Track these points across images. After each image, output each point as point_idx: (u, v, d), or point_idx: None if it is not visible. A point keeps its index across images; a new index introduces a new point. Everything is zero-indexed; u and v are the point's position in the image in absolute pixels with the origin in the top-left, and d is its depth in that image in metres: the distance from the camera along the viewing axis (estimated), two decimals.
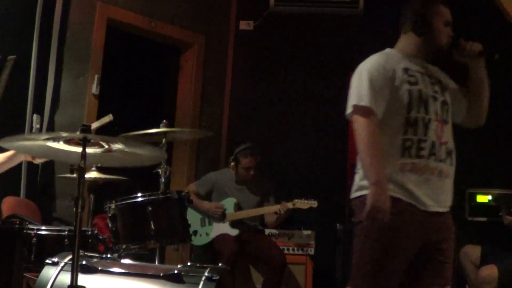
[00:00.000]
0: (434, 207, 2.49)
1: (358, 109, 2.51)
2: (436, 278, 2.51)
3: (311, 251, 4.57)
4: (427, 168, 2.47)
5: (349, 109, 2.56)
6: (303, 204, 4.40)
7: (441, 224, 2.52)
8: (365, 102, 2.48)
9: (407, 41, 2.64)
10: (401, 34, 2.69)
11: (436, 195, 2.50)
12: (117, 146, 2.22)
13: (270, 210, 4.51)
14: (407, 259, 2.47)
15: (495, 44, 2.64)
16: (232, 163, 4.62)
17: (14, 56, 3.46)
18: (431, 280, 2.50)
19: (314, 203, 4.38)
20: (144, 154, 2.35)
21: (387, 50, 2.68)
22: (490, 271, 3.99)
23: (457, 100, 2.66)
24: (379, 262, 2.45)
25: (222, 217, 4.55)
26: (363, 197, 2.49)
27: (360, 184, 2.56)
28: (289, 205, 4.41)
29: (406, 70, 2.55)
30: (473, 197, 4.74)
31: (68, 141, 2.18)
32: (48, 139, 2.16)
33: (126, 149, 2.24)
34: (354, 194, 2.61)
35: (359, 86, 2.53)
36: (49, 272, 2.33)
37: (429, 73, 2.61)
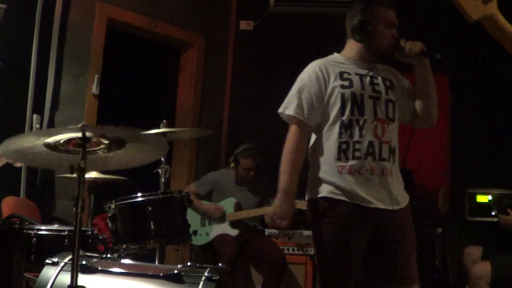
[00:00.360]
0: (377, 204, 2.52)
1: (288, 118, 2.66)
2: (392, 279, 2.55)
3: (311, 251, 4.57)
4: (365, 169, 2.53)
5: (281, 109, 2.70)
6: (303, 205, 4.38)
7: (390, 222, 2.55)
8: (290, 111, 2.63)
9: (351, 46, 2.72)
10: (347, 39, 2.76)
11: (379, 193, 2.53)
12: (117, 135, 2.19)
13: (270, 210, 4.49)
14: (359, 256, 2.53)
15: (438, 43, 2.66)
16: (232, 164, 4.62)
17: (5, 6, 3.41)
18: (387, 281, 2.55)
19: None
20: (145, 148, 2.33)
21: (332, 55, 2.76)
22: (484, 267, 3.99)
23: (404, 98, 2.70)
24: (336, 264, 2.53)
25: (221, 219, 4.54)
26: (310, 201, 2.69)
27: (307, 189, 2.71)
28: None
29: (341, 74, 2.61)
30: (473, 197, 4.74)
31: (67, 143, 2.16)
32: (46, 143, 2.14)
33: (127, 144, 2.22)
34: (308, 196, 2.74)
35: (290, 94, 2.67)
36: (49, 272, 2.33)
37: (372, 73, 2.64)
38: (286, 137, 2.67)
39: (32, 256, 2.83)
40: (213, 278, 2.28)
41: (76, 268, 2.03)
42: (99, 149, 2.23)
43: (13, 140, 2.07)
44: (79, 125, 2.07)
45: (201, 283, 2.26)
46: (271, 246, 4.47)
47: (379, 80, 2.64)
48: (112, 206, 2.98)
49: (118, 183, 3.63)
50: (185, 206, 3.13)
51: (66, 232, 2.92)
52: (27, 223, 2.95)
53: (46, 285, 2.30)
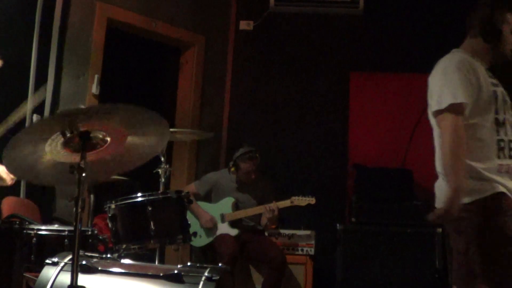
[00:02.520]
0: None
1: (451, 107, 2.44)
2: None
3: (311, 251, 4.57)
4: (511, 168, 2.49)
5: (436, 107, 2.50)
6: (301, 201, 4.39)
7: None
8: (461, 99, 2.44)
9: (476, 45, 2.62)
10: (468, 37, 2.67)
11: None
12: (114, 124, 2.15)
13: (266, 207, 4.48)
14: None
15: None
16: (232, 169, 4.61)
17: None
18: None
19: (312, 200, 4.37)
20: (146, 140, 2.31)
21: (458, 50, 2.65)
22: None
23: None
24: (498, 258, 2.42)
25: (211, 231, 4.53)
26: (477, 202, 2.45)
27: (472, 188, 2.48)
28: (287, 202, 4.40)
29: (487, 71, 2.56)
30: None
31: (66, 146, 2.15)
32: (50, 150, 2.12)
33: (127, 138, 2.20)
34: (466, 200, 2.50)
35: (452, 82, 2.47)
36: (49, 272, 2.33)
37: (495, 80, 2.62)
38: (443, 130, 2.48)
39: (32, 256, 2.83)
40: (213, 278, 2.27)
41: (76, 268, 2.03)
42: (99, 149, 2.23)
43: (14, 150, 2.03)
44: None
45: (201, 283, 2.26)
46: (271, 246, 4.47)
47: (500, 87, 2.62)
48: (112, 206, 2.98)
49: (118, 183, 3.62)
50: (185, 206, 3.13)
51: (66, 232, 2.92)
52: (27, 223, 2.95)
53: (46, 285, 2.29)
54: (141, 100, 5.27)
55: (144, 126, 2.26)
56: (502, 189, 2.44)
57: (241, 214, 4.56)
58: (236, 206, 4.60)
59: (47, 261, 2.37)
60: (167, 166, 3.43)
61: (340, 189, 5.18)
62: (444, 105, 2.45)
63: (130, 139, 2.23)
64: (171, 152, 4.97)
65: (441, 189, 2.54)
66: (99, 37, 4.55)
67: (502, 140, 2.49)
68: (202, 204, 4.64)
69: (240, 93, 5.50)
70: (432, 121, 2.63)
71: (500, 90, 2.54)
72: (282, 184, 4.94)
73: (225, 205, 4.59)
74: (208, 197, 4.69)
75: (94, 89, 4.47)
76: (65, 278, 2.22)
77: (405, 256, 4.43)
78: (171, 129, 3.51)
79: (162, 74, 5.57)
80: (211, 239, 4.54)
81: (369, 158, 5.11)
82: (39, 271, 2.38)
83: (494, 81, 2.55)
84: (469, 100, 2.45)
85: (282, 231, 4.63)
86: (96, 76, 4.49)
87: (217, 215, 4.57)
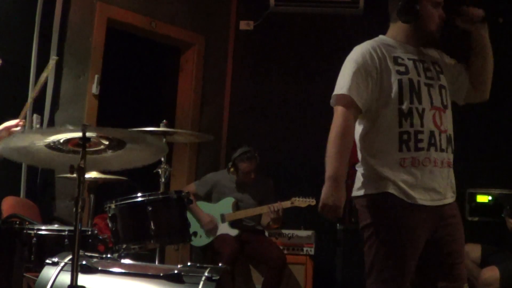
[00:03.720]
0: (440, 201, 2.41)
1: (338, 98, 2.44)
2: (451, 283, 2.41)
3: (311, 251, 4.57)
4: (429, 161, 2.38)
5: (332, 100, 2.51)
6: (301, 202, 4.39)
7: (445, 218, 2.42)
8: (344, 90, 2.42)
9: (397, 29, 2.54)
10: (390, 22, 2.60)
11: (442, 187, 2.41)
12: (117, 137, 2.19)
13: (267, 209, 4.49)
14: (417, 256, 2.38)
15: (498, 8, 2.57)
16: (232, 169, 4.61)
17: (57, 58, 3.44)
18: (445, 283, 2.40)
19: (312, 201, 4.37)
20: (144, 149, 2.33)
21: (380, 37, 2.59)
22: (492, 273, 3.98)
23: (455, 78, 2.56)
24: (398, 264, 2.34)
25: (212, 232, 4.53)
26: (368, 197, 2.46)
27: (362, 182, 2.51)
28: (288, 203, 4.40)
29: (395, 59, 2.46)
30: (473, 197, 4.74)
31: (67, 143, 2.16)
32: (47, 143, 2.14)
33: (127, 145, 2.22)
34: (356, 193, 2.55)
35: (343, 76, 2.46)
36: (49, 272, 2.33)
37: (422, 58, 2.51)
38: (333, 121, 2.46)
39: (32, 256, 2.83)
40: (213, 278, 2.27)
41: (76, 268, 2.03)
42: (99, 149, 2.23)
43: (14, 138, 2.07)
44: (80, 126, 2.06)
45: (201, 283, 2.26)
46: (271, 246, 4.47)
47: (430, 64, 2.50)
48: (112, 206, 2.98)
49: (118, 183, 3.62)
50: (185, 206, 3.12)
51: (66, 232, 2.92)
52: (27, 223, 2.95)
53: (46, 285, 2.29)
54: (141, 100, 5.31)
55: (143, 144, 2.28)
56: (390, 188, 2.37)
57: (241, 214, 4.56)
58: (237, 206, 4.61)
59: (47, 261, 2.37)
60: (167, 166, 3.43)
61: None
62: (335, 97, 2.47)
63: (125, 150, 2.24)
64: (171, 152, 4.97)
65: (356, 178, 2.53)
66: (99, 37, 4.55)
67: (405, 132, 2.37)
68: (202, 204, 4.64)
69: (240, 93, 5.51)
70: None
71: (407, 77, 2.40)
72: (282, 184, 4.94)
73: (225, 205, 4.59)
74: (208, 197, 4.69)
75: (94, 89, 4.48)
76: (65, 278, 2.22)
77: None
78: (171, 129, 3.51)
79: (162, 74, 5.57)
80: (211, 239, 4.54)
81: None
82: (39, 271, 2.38)
83: (401, 68, 2.42)
84: (359, 92, 2.40)
85: (282, 231, 4.63)
86: (96, 76, 4.49)
87: (217, 215, 4.58)
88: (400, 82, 2.41)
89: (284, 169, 5.25)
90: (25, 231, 2.85)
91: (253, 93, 5.49)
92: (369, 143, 2.49)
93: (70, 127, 2.07)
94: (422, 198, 2.38)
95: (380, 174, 2.41)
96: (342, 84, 2.45)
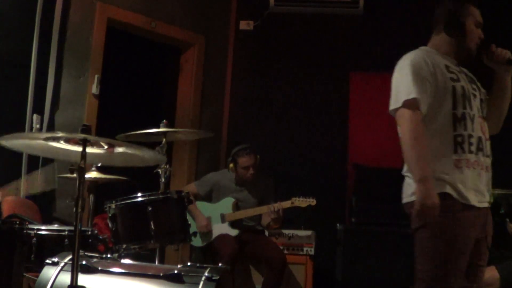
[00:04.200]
0: (483, 203, 2.51)
1: (407, 103, 2.46)
2: (472, 283, 2.51)
3: (311, 251, 4.57)
4: (478, 164, 2.50)
5: (394, 105, 2.51)
6: (301, 202, 4.39)
7: (487, 221, 2.55)
8: (414, 94, 2.45)
9: (440, 40, 2.64)
10: (433, 34, 2.69)
11: (485, 190, 2.53)
12: (119, 149, 2.22)
13: (269, 208, 4.49)
14: (468, 258, 2.45)
15: None
16: (231, 165, 4.61)
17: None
18: (469, 284, 2.49)
19: (312, 201, 4.36)
20: (145, 156, 2.35)
21: (423, 47, 2.66)
22: (492, 273, 3.97)
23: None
24: (448, 264, 2.41)
25: (206, 236, 4.53)
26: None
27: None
28: (288, 203, 4.40)
29: (447, 67, 2.55)
30: None
31: (68, 141, 2.18)
32: (48, 138, 2.16)
33: (127, 151, 2.24)
34: (410, 199, 2.53)
35: (405, 80, 2.49)
36: (49, 272, 2.33)
37: (464, 71, 2.62)
38: (401, 126, 2.49)
39: (32, 256, 2.83)
40: (213, 278, 2.28)
41: (76, 268, 2.03)
42: (99, 149, 2.24)
43: (14, 135, 2.08)
44: (79, 134, 2.07)
45: (201, 283, 2.26)
46: (271, 246, 4.47)
47: (470, 78, 2.62)
48: (112, 206, 2.98)
49: (118, 183, 3.62)
50: (185, 206, 3.12)
51: (66, 232, 2.92)
52: (27, 223, 2.95)
53: (46, 285, 2.30)
54: (141, 100, 5.31)
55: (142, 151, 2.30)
56: (447, 189, 2.43)
57: (242, 214, 4.56)
58: (237, 207, 4.60)
59: (47, 261, 2.38)
60: (167, 166, 3.43)
61: (340, 189, 5.18)
62: (399, 103, 2.47)
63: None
64: (171, 152, 4.98)
65: (406, 184, 2.56)
66: (99, 37, 4.55)
67: (460, 135, 2.47)
68: (202, 204, 4.64)
69: (240, 93, 5.51)
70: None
71: (460, 85, 2.51)
72: (282, 184, 4.93)
73: (226, 205, 4.59)
74: (208, 197, 4.68)
75: (94, 89, 4.48)
76: (65, 278, 2.23)
77: (405, 256, 4.43)
78: (170, 129, 3.51)
79: (162, 74, 5.57)
80: (207, 242, 4.53)
81: (369, 158, 5.12)
82: (39, 271, 2.38)
83: (454, 76, 2.52)
84: (422, 95, 2.45)
85: (282, 231, 4.63)
86: (96, 76, 4.49)
87: (217, 215, 4.57)
88: (454, 88, 2.50)
89: (283, 168, 5.25)
90: (25, 231, 2.85)
91: (253, 93, 5.49)
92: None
93: (70, 135, 2.09)
94: (474, 199, 2.47)
95: (437, 176, 2.45)
96: (407, 89, 2.47)
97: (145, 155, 2.34)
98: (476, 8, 2.61)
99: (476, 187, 2.48)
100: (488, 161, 2.56)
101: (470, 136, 2.49)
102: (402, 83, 2.50)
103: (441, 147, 2.48)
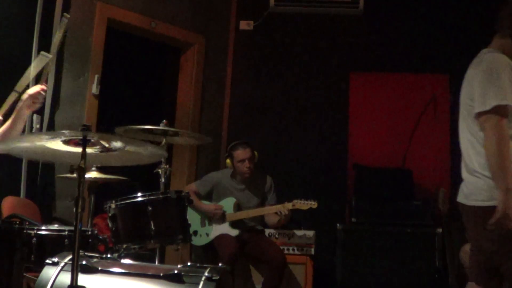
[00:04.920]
0: None
1: (499, 108, 2.38)
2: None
3: (311, 251, 4.57)
4: None
5: (480, 108, 2.44)
6: (302, 204, 4.39)
7: None
8: (507, 101, 2.38)
9: (506, 45, 2.56)
10: (497, 37, 2.60)
11: None
12: (117, 144, 2.21)
13: (271, 210, 4.51)
14: None
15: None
16: (227, 160, 4.65)
17: (69, 16, 3.37)
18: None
19: (314, 204, 4.37)
20: (144, 152, 2.34)
21: (493, 50, 2.57)
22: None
23: None
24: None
25: (221, 218, 4.54)
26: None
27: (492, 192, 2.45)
28: (289, 205, 4.40)
29: None
30: None
31: (67, 141, 2.17)
32: (48, 138, 2.15)
33: (126, 147, 2.23)
34: (485, 203, 2.47)
35: (496, 84, 2.40)
36: (49, 272, 2.33)
37: None
38: (488, 132, 2.40)
39: (32, 256, 2.83)
40: (213, 278, 2.27)
41: (76, 268, 2.03)
42: (99, 149, 2.24)
43: (14, 140, 2.07)
44: (79, 130, 2.06)
45: (201, 283, 2.26)
46: (271, 246, 4.47)
47: None
48: (112, 206, 2.98)
49: (118, 183, 3.62)
50: (185, 206, 3.12)
51: (66, 232, 2.91)
52: (27, 223, 2.95)
53: (46, 285, 2.29)
54: (141, 100, 5.31)
55: (142, 148, 2.29)
56: None
57: (243, 215, 4.57)
58: (238, 207, 4.61)
59: (47, 261, 2.37)
60: (167, 166, 3.43)
61: (340, 189, 5.18)
62: (488, 106, 2.40)
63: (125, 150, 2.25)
64: (171, 152, 4.97)
65: (477, 186, 2.48)
66: (99, 37, 4.55)
67: None
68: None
69: (240, 93, 5.51)
70: (464, 123, 2.57)
71: None
72: (282, 184, 4.93)
73: (227, 205, 4.59)
74: (208, 197, 4.69)
75: (94, 89, 4.47)
76: (65, 278, 2.22)
77: (405, 256, 4.43)
78: (170, 129, 3.51)
79: (162, 74, 5.57)
80: (211, 238, 4.54)
81: (369, 158, 5.12)
82: (39, 271, 2.38)
83: None
84: (507, 103, 2.38)
85: (282, 231, 4.64)
86: (96, 76, 4.49)
87: None
88: None
89: (285, 169, 5.25)
90: (25, 231, 2.85)
91: (253, 93, 5.49)
92: None
93: (70, 132, 2.08)
94: None
95: None
96: (500, 94, 2.39)
97: (145, 151, 2.32)
98: None
99: None
100: None
101: None
102: (493, 85, 2.41)
103: None
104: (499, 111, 2.39)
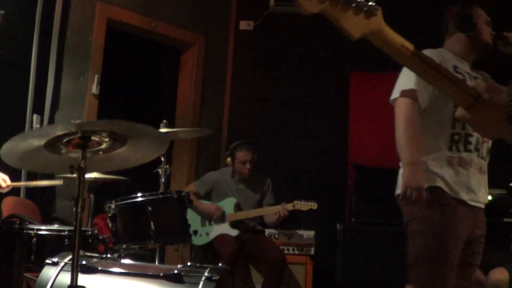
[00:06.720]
0: (475, 202, 2.54)
1: (405, 92, 2.52)
2: (463, 280, 2.54)
3: (311, 251, 4.57)
4: (473, 163, 2.53)
5: (393, 95, 2.57)
6: (303, 205, 4.40)
7: (479, 221, 2.58)
8: (410, 86, 2.51)
9: (454, 42, 2.69)
10: (446, 39, 2.74)
11: (478, 190, 2.55)
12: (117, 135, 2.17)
13: (271, 211, 4.51)
14: (459, 252, 2.48)
15: None
16: (228, 159, 4.65)
17: (3, 12, 3.40)
18: (460, 281, 2.53)
19: (314, 205, 4.38)
20: (145, 144, 2.31)
21: (439, 48, 2.70)
22: (501, 275, 3.95)
23: None
24: (440, 258, 2.45)
25: (221, 219, 4.55)
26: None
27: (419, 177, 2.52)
28: (289, 206, 4.41)
29: (455, 67, 2.58)
30: None
31: (67, 144, 2.15)
32: (47, 143, 2.13)
33: (127, 141, 2.20)
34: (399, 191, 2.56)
35: (406, 73, 2.54)
36: (49, 272, 2.33)
37: (475, 75, 2.64)
38: (396, 114, 2.53)
39: (32, 256, 2.83)
40: (213, 278, 2.27)
41: (76, 268, 2.03)
42: (99, 149, 2.23)
43: (13, 142, 2.05)
44: (75, 122, 2.04)
45: (201, 283, 2.26)
46: (271, 246, 4.47)
47: (482, 80, 2.60)
48: (112, 206, 2.98)
49: (118, 183, 3.62)
50: (185, 206, 3.12)
51: (66, 232, 2.91)
52: (27, 223, 2.95)
53: (46, 285, 2.29)
54: (141, 100, 5.31)
55: (143, 138, 2.25)
56: (439, 183, 2.47)
57: (243, 215, 4.57)
58: (238, 207, 4.61)
59: (47, 261, 2.37)
60: (167, 166, 3.43)
61: (340, 189, 5.18)
62: (397, 94, 2.54)
63: (126, 146, 2.23)
64: (171, 152, 4.98)
65: (399, 176, 2.57)
66: (99, 37, 4.55)
67: (457, 133, 2.51)
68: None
69: (240, 93, 5.50)
70: None
71: None
72: (282, 184, 4.94)
73: (227, 205, 4.59)
74: (208, 197, 4.69)
75: (94, 89, 4.48)
76: (65, 278, 2.22)
77: (405, 256, 4.42)
78: (170, 129, 3.51)
79: (162, 74, 5.57)
80: (211, 238, 4.54)
81: (369, 158, 5.12)
82: (39, 271, 2.38)
83: (460, 76, 2.54)
84: (421, 88, 2.49)
85: (282, 231, 4.64)
86: (96, 76, 4.49)
87: None
88: None
89: (283, 168, 5.25)
90: (25, 231, 2.85)
91: (253, 93, 5.49)
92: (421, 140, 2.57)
93: (68, 124, 2.06)
94: (465, 196, 2.50)
95: (430, 170, 2.50)
96: (407, 80, 2.53)
97: (146, 143, 2.29)
98: (481, 9, 2.68)
99: (468, 185, 2.51)
100: (482, 162, 2.58)
101: (468, 135, 2.52)
102: (404, 75, 2.55)
103: (437, 143, 2.52)
104: (406, 94, 2.51)
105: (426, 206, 2.47)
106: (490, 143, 2.62)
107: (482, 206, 2.60)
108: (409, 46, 1.57)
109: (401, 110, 2.51)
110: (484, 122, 1.63)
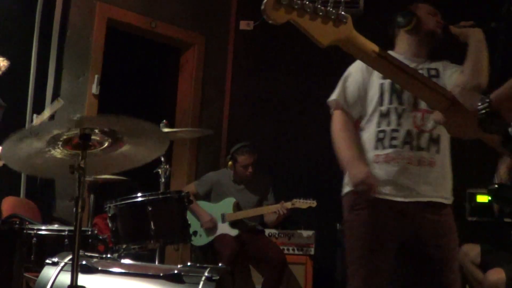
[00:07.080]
0: (414, 197, 2.45)
1: (330, 104, 2.71)
2: (434, 278, 2.44)
3: (311, 251, 4.57)
4: (402, 157, 2.46)
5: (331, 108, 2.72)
6: (302, 203, 4.40)
7: (427, 218, 2.45)
8: (333, 96, 2.68)
9: (399, 42, 2.70)
10: (395, 40, 2.73)
11: (417, 185, 2.46)
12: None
13: (270, 210, 4.51)
14: (388, 254, 2.46)
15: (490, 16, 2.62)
16: (230, 163, 4.63)
17: (63, 102, 3.49)
18: (430, 280, 2.44)
19: (313, 203, 4.38)
20: (145, 144, 2.30)
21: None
22: (499, 276, 3.95)
23: (453, 79, 2.58)
24: (361, 259, 2.47)
25: (211, 231, 4.53)
26: (345, 194, 2.59)
27: (345, 182, 2.61)
28: (288, 205, 4.41)
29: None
30: (473, 197, 4.72)
31: (66, 144, 2.15)
32: (47, 143, 2.12)
33: (127, 141, 2.19)
34: (343, 191, 2.65)
35: (338, 85, 2.70)
36: (49, 272, 2.33)
37: (418, 66, 2.57)
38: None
39: (32, 256, 2.83)
40: (213, 278, 2.27)
41: (76, 268, 2.03)
42: (99, 149, 2.22)
43: (12, 143, 2.05)
44: (75, 117, 2.04)
45: (201, 283, 2.26)
46: (271, 246, 4.47)
47: (424, 70, 2.58)
48: (112, 206, 2.99)
49: (118, 183, 3.62)
50: (185, 206, 3.13)
51: (66, 232, 2.92)
52: (27, 223, 2.96)
53: (46, 285, 2.29)
54: (141, 100, 5.31)
55: (143, 136, 2.24)
56: (350, 187, 2.52)
57: (243, 214, 4.57)
58: (238, 207, 4.61)
59: (47, 261, 2.37)
60: (167, 166, 3.43)
61: (340, 189, 5.17)
62: (330, 98, 2.73)
63: (127, 146, 2.22)
64: (171, 152, 4.98)
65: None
66: (99, 37, 4.55)
67: (382, 131, 2.51)
68: (203, 204, 4.65)
69: (240, 93, 5.51)
70: None
71: (389, 81, 2.52)
72: (282, 183, 4.93)
73: (227, 205, 4.59)
74: (207, 197, 4.69)
75: (94, 89, 4.48)
76: (65, 278, 2.22)
77: None
78: (170, 129, 3.51)
79: (162, 74, 5.57)
80: (211, 238, 4.54)
81: None
82: (39, 271, 2.38)
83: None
84: (343, 96, 2.65)
85: (282, 231, 4.64)
86: (96, 76, 4.49)
87: (218, 214, 4.58)
88: (381, 85, 2.57)
89: (284, 169, 5.25)
90: (25, 231, 2.85)
91: (253, 93, 5.48)
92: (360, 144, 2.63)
93: (68, 120, 2.05)
94: (393, 194, 2.46)
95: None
96: (334, 93, 2.72)
97: (147, 141, 2.28)
98: (423, 4, 2.67)
99: (399, 182, 2.45)
100: (422, 154, 2.47)
101: (394, 130, 2.49)
102: (336, 87, 2.71)
103: (366, 144, 2.56)
104: (332, 105, 2.71)
105: (346, 211, 2.56)
106: (435, 131, 2.49)
107: (427, 200, 2.46)
108: (380, 51, 1.59)
109: (332, 122, 2.69)
110: (460, 125, 1.64)
